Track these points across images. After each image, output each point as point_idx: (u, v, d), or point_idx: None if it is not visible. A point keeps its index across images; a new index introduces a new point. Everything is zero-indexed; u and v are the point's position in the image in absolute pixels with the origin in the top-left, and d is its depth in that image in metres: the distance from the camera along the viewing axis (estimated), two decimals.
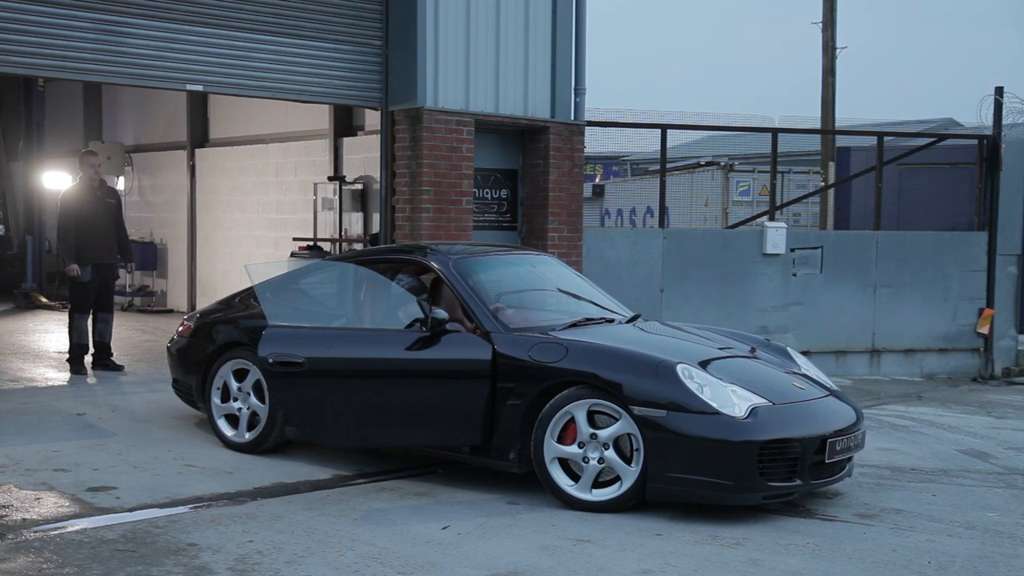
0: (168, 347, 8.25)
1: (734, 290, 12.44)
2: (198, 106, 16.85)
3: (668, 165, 15.05)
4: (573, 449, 6.10)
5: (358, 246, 14.20)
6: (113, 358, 10.49)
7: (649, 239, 12.31)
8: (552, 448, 6.15)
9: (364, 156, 14.20)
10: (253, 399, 7.32)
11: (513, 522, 5.85)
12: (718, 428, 5.81)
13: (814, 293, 12.77)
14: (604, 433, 6.03)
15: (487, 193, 11.23)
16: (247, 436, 7.32)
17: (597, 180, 28.47)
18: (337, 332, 7.06)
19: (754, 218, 14.57)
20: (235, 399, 7.43)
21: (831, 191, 17.48)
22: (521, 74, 10.99)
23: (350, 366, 6.82)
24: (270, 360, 7.05)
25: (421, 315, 6.65)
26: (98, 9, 8.94)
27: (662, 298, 12.09)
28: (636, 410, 5.91)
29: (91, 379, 10.03)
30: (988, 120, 13.43)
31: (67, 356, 10.39)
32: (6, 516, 5.62)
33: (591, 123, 12.37)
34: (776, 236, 12.59)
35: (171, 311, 17.08)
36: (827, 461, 6.13)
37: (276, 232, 15.49)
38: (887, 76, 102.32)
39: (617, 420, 6.00)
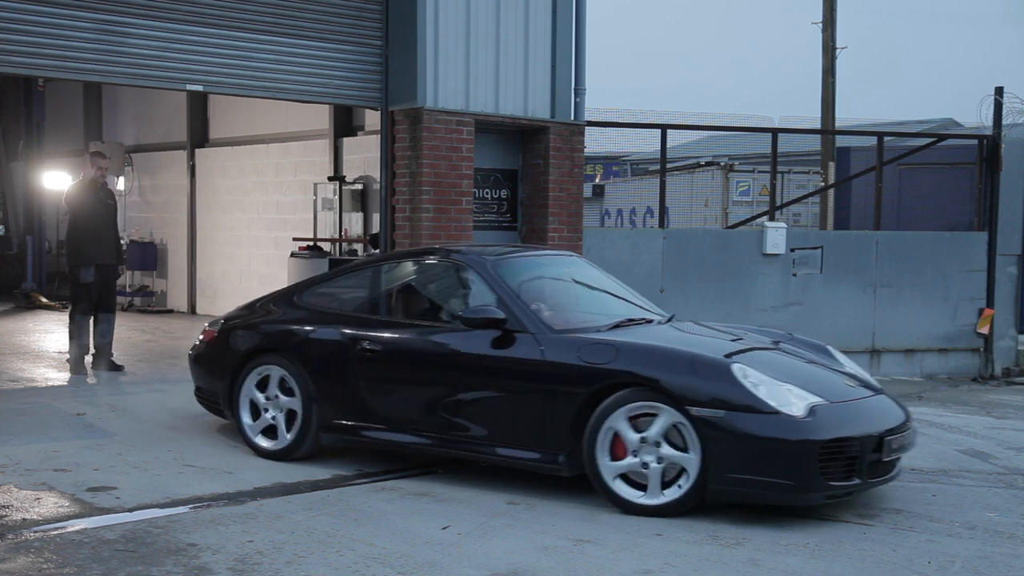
0: (190, 354, 8.03)
1: (734, 290, 12.44)
2: (198, 106, 16.85)
3: (668, 165, 15.07)
4: (629, 448, 5.98)
5: (358, 246, 14.21)
6: (113, 358, 10.49)
7: (649, 239, 12.31)
8: (606, 446, 6.04)
9: (364, 156, 14.21)
10: (285, 406, 7.15)
11: (513, 522, 5.85)
12: (779, 428, 5.75)
13: (814, 293, 12.77)
14: (653, 432, 5.94)
15: (487, 193, 11.23)
16: (280, 443, 7.16)
17: (597, 180, 28.47)
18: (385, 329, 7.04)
19: (754, 218, 14.58)
20: (266, 405, 7.25)
21: (831, 191, 17.48)
22: (521, 74, 11.00)
23: (415, 356, 6.83)
24: (362, 346, 6.92)
25: (493, 315, 6.54)
26: (98, 9, 8.94)
27: (662, 298, 12.08)
28: (694, 411, 5.83)
29: (91, 379, 10.03)
30: (988, 120, 13.43)
31: (67, 356, 10.39)
32: (6, 516, 5.62)
33: (591, 123, 12.37)
34: (776, 236, 12.59)
35: (171, 311, 17.09)
36: (884, 460, 6.10)
37: (276, 232, 15.50)
38: (887, 76, 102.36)
39: (668, 419, 5.91)
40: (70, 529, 5.46)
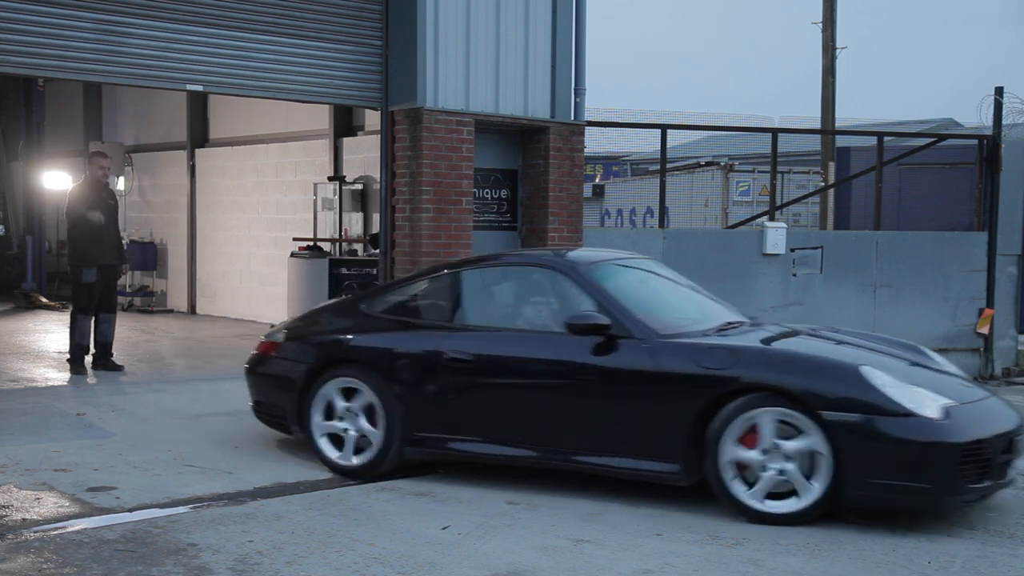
0: (247, 367, 7.63)
1: (734, 290, 12.39)
2: (198, 106, 16.86)
3: (668, 165, 15.06)
4: (754, 455, 5.87)
5: (358, 246, 14.21)
6: (113, 358, 10.48)
7: (649, 239, 12.30)
8: (730, 454, 5.90)
9: (364, 156, 14.21)
10: (363, 420, 6.84)
11: (513, 522, 5.85)
12: (917, 430, 5.66)
13: (814, 293, 12.76)
14: (789, 446, 5.80)
15: (487, 193, 11.23)
16: (359, 459, 6.82)
17: (597, 180, 28.47)
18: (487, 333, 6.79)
19: (754, 218, 14.57)
20: (341, 419, 6.91)
21: (831, 191, 17.48)
22: (521, 74, 10.99)
23: (508, 364, 6.59)
24: (448, 355, 6.66)
25: (596, 321, 6.33)
26: (98, 9, 8.94)
27: None
28: (827, 415, 5.70)
29: (91, 379, 10.03)
30: (988, 120, 13.41)
31: (67, 356, 10.39)
32: (6, 516, 5.62)
33: (591, 123, 12.36)
34: (776, 236, 12.59)
35: (171, 311, 17.09)
36: (1012, 461, 6.05)
37: (276, 232, 15.50)
38: (887, 76, 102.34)
39: (800, 430, 5.78)
40: (70, 529, 5.46)
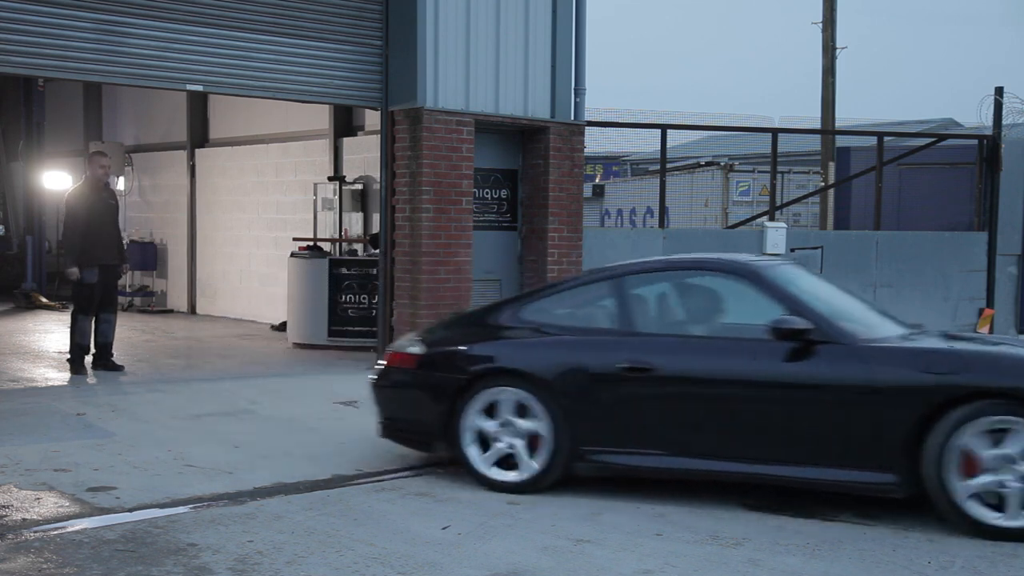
0: (376, 382, 7.09)
1: None
2: (198, 106, 16.86)
3: (668, 165, 15.06)
4: (989, 458, 5.58)
5: (358, 246, 14.22)
6: (113, 358, 10.48)
7: (649, 239, 12.31)
8: (956, 469, 5.61)
9: (364, 156, 14.22)
10: (521, 422, 6.46)
11: (513, 522, 5.85)
12: None
13: None
14: (1014, 449, 5.54)
15: (487, 193, 11.24)
16: (522, 474, 6.45)
17: (597, 180, 28.47)
18: (671, 339, 6.47)
19: (754, 218, 14.58)
20: (497, 436, 6.49)
21: (831, 191, 17.49)
22: (521, 74, 11.00)
23: (696, 374, 6.25)
24: (623, 365, 6.29)
25: (796, 325, 6.03)
26: (98, 9, 8.95)
27: None
28: None
29: (91, 379, 10.03)
30: (988, 120, 13.43)
31: (67, 356, 10.39)
32: (6, 516, 5.62)
33: (591, 123, 12.37)
34: (776, 236, 12.59)
35: (171, 311, 17.10)
36: None
37: (276, 232, 15.50)
38: (887, 76, 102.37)
39: (1007, 429, 5.52)
40: (70, 529, 5.46)
